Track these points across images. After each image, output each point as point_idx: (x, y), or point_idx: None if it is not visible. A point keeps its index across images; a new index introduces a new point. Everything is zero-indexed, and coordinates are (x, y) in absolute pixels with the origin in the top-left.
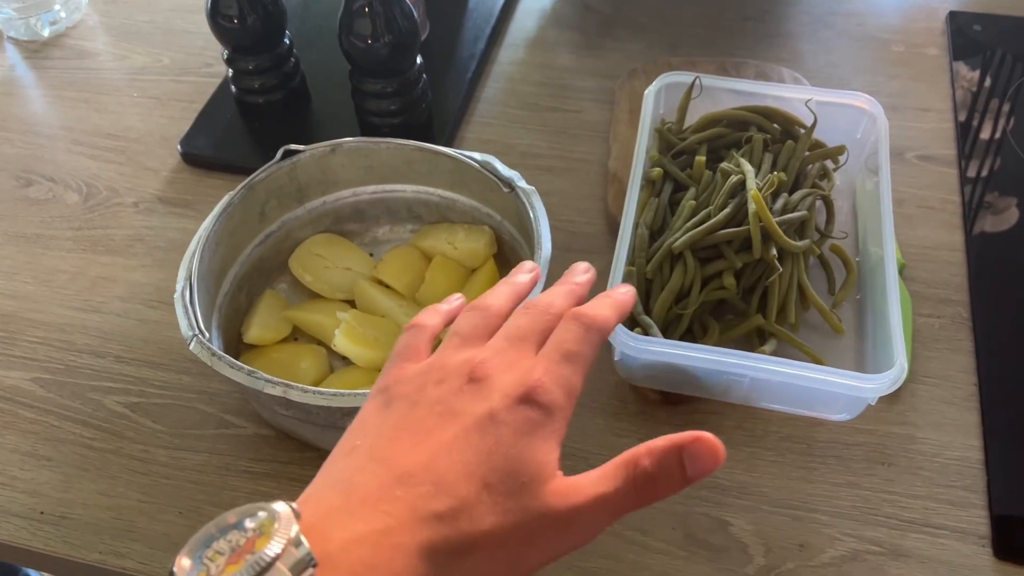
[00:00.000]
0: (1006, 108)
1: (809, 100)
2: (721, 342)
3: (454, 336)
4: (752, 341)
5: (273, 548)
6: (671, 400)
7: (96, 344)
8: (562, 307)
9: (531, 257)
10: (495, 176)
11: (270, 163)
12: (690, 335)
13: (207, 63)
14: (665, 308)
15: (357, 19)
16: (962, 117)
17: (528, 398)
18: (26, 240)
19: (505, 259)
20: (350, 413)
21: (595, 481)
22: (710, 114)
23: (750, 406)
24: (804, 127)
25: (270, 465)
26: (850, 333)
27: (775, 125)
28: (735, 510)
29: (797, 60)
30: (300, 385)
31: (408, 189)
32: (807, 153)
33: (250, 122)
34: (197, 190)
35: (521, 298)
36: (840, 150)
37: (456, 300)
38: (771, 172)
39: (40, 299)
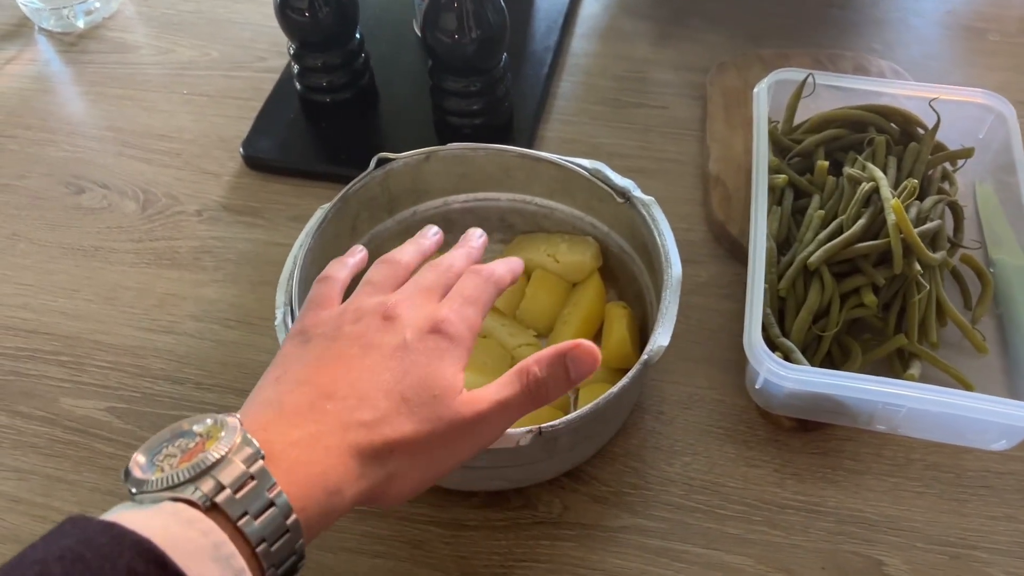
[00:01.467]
0: None
1: (934, 100)
2: (862, 364)
3: (367, 285)
4: (892, 362)
5: (220, 449)
6: (807, 427)
7: (172, 369)
8: (462, 267)
9: (651, 273)
10: (607, 185)
11: (364, 173)
12: (829, 357)
13: (260, 57)
14: (804, 329)
15: (444, 13)
16: None
17: (436, 330)
18: (84, 253)
19: (611, 272)
20: (490, 452)
21: (495, 390)
22: (824, 113)
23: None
24: (924, 127)
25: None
26: (993, 351)
27: (893, 125)
28: (886, 547)
29: (889, 50)
30: None
31: (503, 197)
32: (930, 156)
33: (315, 122)
34: (263, 196)
35: (426, 256)
36: (968, 152)
37: (359, 252)
38: (898, 176)
39: (105, 319)
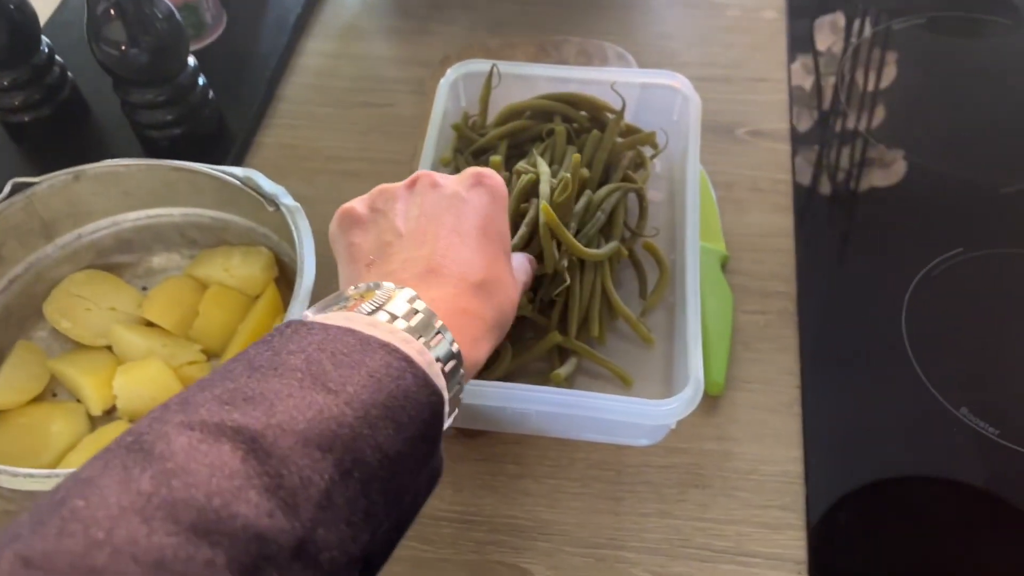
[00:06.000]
0: (847, 70)
1: (614, 84)
2: (517, 364)
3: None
4: (553, 360)
5: (383, 294)
6: (468, 433)
7: None
8: None
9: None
10: (258, 193)
11: None
12: None
13: None
14: None
15: (105, 24)
16: (803, 84)
17: (479, 182)
18: None
19: (288, 283)
20: None
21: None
22: (511, 105)
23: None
24: (614, 112)
25: None
26: (664, 340)
27: (582, 113)
28: (534, 554)
29: (626, 33)
30: (10, 468)
31: (176, 212)
32: (620, 140)
33: (20, 144)
34: None
35: None
36: (650, 137)
37: None
38: (576, 167)
39: None
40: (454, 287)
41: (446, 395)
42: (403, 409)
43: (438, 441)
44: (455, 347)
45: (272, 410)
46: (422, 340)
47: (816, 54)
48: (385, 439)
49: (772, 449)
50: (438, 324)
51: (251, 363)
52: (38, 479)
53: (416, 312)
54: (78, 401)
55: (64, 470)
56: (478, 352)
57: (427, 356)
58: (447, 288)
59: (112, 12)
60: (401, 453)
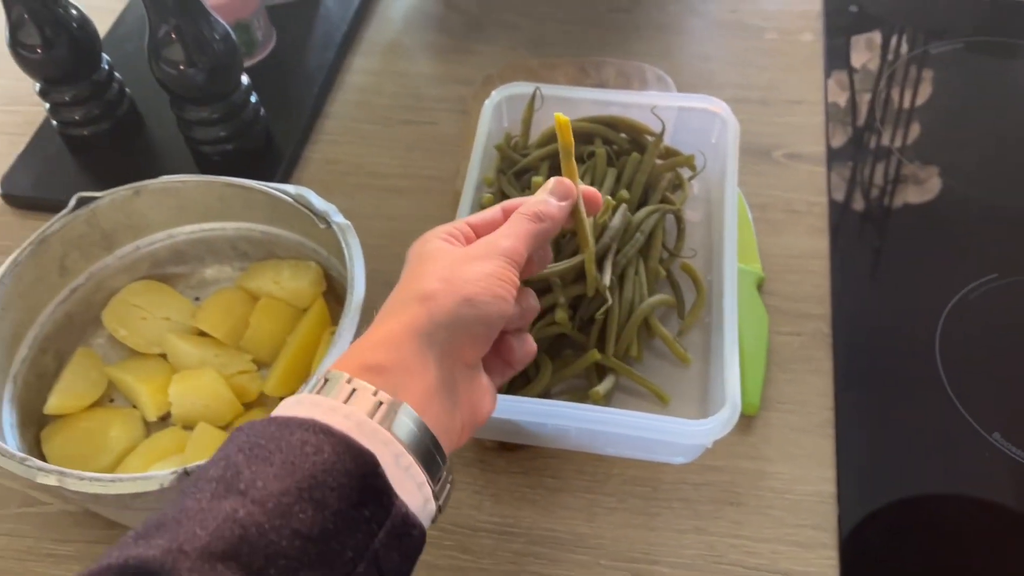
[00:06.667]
0: (883, 87)
1: (655, 107)
2: (557, 381)
3: None
4: (591, 377)
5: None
6: (508, 447)
7: None
8: None
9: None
10: (309, 210)
11: (62, 213)
12: (524, 375)
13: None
14: None
15: (165, 46)
16: (838, 100)
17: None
18: None
19: (337, 297)
20: (140, 496)
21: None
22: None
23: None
24: (654, 135)
25: (75, 546)
26: (700, 360)
27: (622, 135)
28: (571, 566)
29: (665, 54)
30: (77, 472)
31: (228, 227)
32: (659, 162)
33: (78, 156)
34: (21, 235)
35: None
36: (689, 160)
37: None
38: (616, 188)
39: None
40: (371, 332)
41: (392, 444)
42: (323, 485)
43: (382, 500)
44: (408, 411)
45: (177, 532)
46: (352, 403)
47: (851, 71)
48: (302, 523)
49: (806, 469)
50: (370, 391)
51: (189, 480)
52: (104, 483)
53: (354, 391)
54: (134, 407)
55: (124, 475)
56: (392, 321)
57: (356, 416)
58: (368, 339)
59: (173, 35)
60: (328, 530)
